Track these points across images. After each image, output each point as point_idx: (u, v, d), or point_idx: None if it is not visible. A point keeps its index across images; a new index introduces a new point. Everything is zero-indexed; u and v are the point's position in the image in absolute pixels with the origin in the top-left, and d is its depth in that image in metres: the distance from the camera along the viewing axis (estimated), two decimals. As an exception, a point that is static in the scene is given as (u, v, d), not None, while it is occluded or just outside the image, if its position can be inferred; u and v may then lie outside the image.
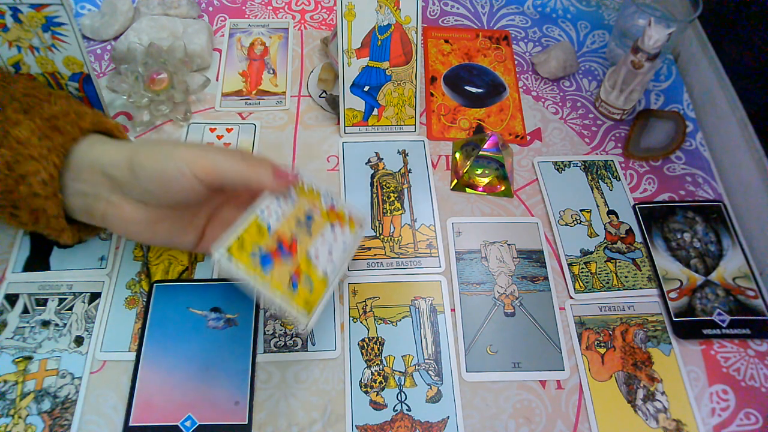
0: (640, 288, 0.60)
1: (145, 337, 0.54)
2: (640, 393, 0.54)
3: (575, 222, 0.64)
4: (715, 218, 0.65)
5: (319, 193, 0.52)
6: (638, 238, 0.64)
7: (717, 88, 0.74)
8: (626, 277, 0.61)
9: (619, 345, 0.56)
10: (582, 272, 0.61)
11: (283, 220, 0.48)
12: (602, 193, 0.67)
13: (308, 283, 0.47)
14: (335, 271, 0.50)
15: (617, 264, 0.61)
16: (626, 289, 0.60)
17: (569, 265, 0.61)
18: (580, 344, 0.56)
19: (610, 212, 0.65)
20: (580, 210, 0.65)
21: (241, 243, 0.44)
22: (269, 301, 0.44)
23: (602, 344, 0.56)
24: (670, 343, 0.57)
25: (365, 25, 0.65)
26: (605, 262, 0.62)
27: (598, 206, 0.66)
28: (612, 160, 0.70)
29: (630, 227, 0.64)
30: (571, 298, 0.59)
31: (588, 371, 0.55)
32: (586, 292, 0.59)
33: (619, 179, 0.68)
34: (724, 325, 0.57)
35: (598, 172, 0.69)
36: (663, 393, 0.54)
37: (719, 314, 0.58)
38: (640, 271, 0.61)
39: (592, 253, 0.62)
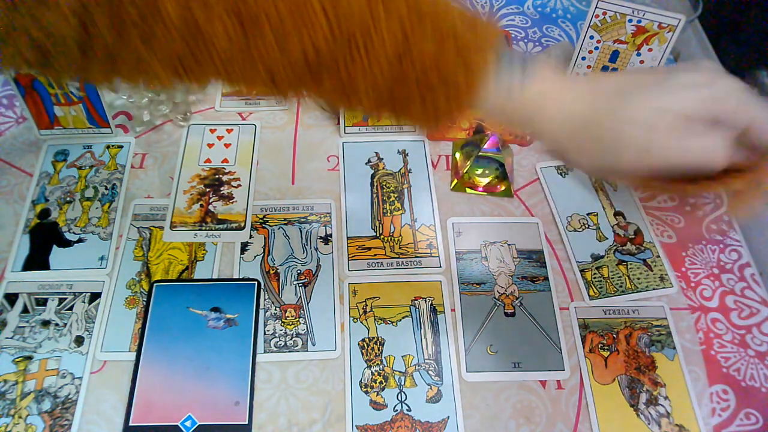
0: (654, 289, 0.60)
1: (145, 337, 0.54)
2: (643, 397, 0.54)
3: (583, 227, 0.64)
4: None
5: None
6: (647, 237, 0.63)
7: (717, 88, 0.74)
8: (638, 278, 0.60)
9: (622, 348, 0.56)
10: (595, 278, 0.60)
11: None
12: (607, 195, 0.67)
13: None
14: None
15: (629, 266, 0.61)
16: (639, 291, 0.59)
17: (581, 271, 0.61)
18: (583, 347, 0.56)
19: (617, 213, 0.65)
20: (587, 214, 0.65)
21: None
22: None
23: (606, 347, 0.56)
24: (674, 348, 0.57)
25: (365, 25, 0.65)
26: (617, 265, 0.61)
27: (604, 208, 0.65)
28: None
29: (638, 227, 0.64)
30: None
31: (591, 374, 0.55)
32: (601, 298, 0.59)
33: None
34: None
35: (601, 172, 0.68)
36: (666, 397, 0.54)
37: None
38: (652, 271, 0.61)
39: (602, 257, 0.62)
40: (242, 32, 0.33)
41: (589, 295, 0.59)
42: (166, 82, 0.36)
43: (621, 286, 0.60)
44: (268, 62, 0.35)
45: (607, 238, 0.63)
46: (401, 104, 0.38)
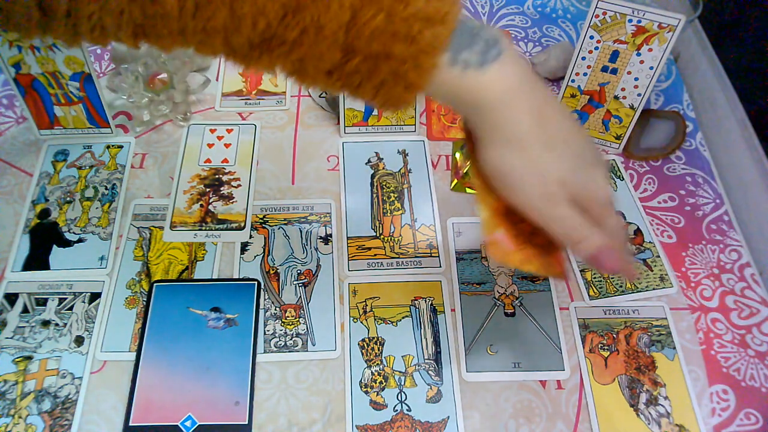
0: (654, 289, 0.60)
1: (145, 337, 0.54)
2: (643, 397, 0.54)
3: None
4: None
5: None
6: (647, 237, 0.63)
7: (717, 88, 0.74)
8: (638, 279, 0.60)
9: (622, 348, 0.56)
10: (595, 278, 0.60)
11: None
12: None
13: None
14: None
15: None
16: (639, 291, 0.60)
17: (581, 271, 0.61)
18: (583, 347, 0.56)
19: (617, 213, 0.65)
20: None
21: None
22: None
23: (606, 347, 0.56)
24: (674, 348, 0.57)
25: (365, 25, 0.65)
26: None
27: (603, 208, 0.65)
28: (614, 160, 0.70)
29: (638, 227, 0.64)
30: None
31: (591, 374, 0.55)
32: (601, 298, 0.59)
33: (623, 179, 0.68)
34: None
35: (599, 172, 0.68)
36: (666, 397, 0.54)
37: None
38: (652, 271, 0.61)
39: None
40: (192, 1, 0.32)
41: (589, 295, 0.59)
42: (131, 45, 0.35)
43: (621, 286, 0.60)
44: (222, 32, 0.34)
45: None
46: (351, 80, 0.37)
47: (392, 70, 0.35)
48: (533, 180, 0.38)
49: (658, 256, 0.62)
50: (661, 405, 0.53)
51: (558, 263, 0.44)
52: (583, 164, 0.39)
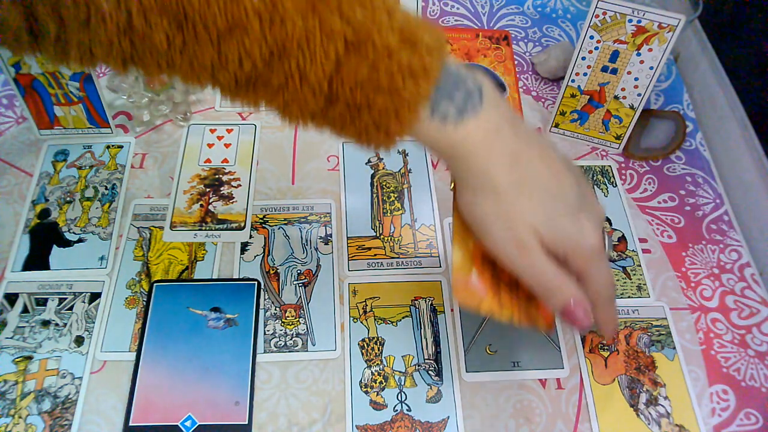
0: (629, 297, 0.59)
1: (145, 337, 0.54)
2: (643, 397, 0.54)
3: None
4: None
5: None
6: (631, 245, 0.63)
7: (717, 88, 0.74)
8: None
9: (622, 349, 0.56)
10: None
11: None
12: (597, 199, 0.66)
13: None
14: None
15: None
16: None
17: None
18: (583, 347, 0.56)
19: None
20: None
21: None
22: None
23: (606, 347, 0.56)
24: (674, 348, 0.57)
25: (365, 25, 0.65)
26: None
27: (591, 213, 0.65)
28: (610, 166, 0.69)
29: (623, 234, 0.64)
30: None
31: (591, 374, 0.55)
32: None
33: (616, 185, 0.68)
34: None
35: (594, 178, 0.68)
36: (666, 398, 0.54)
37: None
38: (630, 279, 0.61)
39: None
40: (180, 36, 0.32)
41: None
42: (119, 71, 0.35)
43: None
44: (209, 69, 0.34)
45: None
46: (335, 124, 0.37)
47: (374, 120, 0.36)
48: (504, 226, 0.38)
49: (639, 266, 0.62)
50: (661, 405, 0.53)
51: (543, 314, 0.43)
52: (566, 211, 0.38)
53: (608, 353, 0.56)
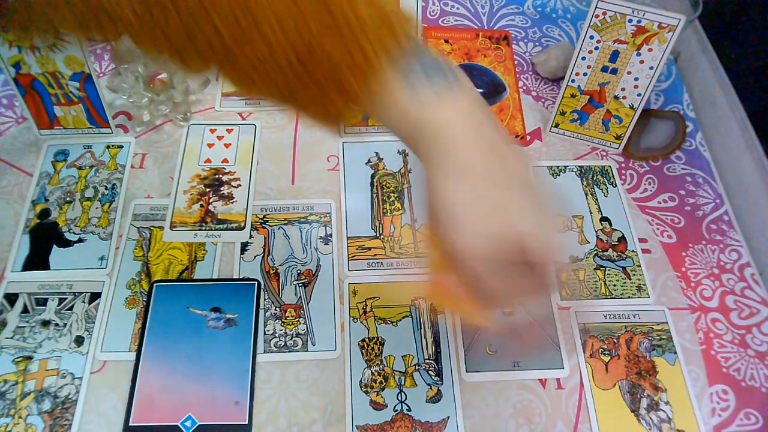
0: (629, 297, 0.60)
1: (145, 337, 0.54)
2: (644, 402, 0.54)
3: (566, 228, 0.64)
4: None
5: None
6: (630, 246, 0.63)
7: (717, 88, 0.74)
8: (614, 285, 0.60)
9: (623, 353, 0.56)
10: (570, 279, 0.60)
11: None
12: (596, 200, 0.66)
13: None
14: None
15: (606, 272, 0.61)
16: (613, 298, 0.59)
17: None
18: (584, 352, 0.56)
19: (603, 219, 0.65)
20: (572, 216, 0.65)
21: None
22: None
23: (606, 352, 0.56)
24: (675, 352, 0.57)
25: (365, 25, 0.65)
26: (594, 269, 0.61)
27: (591, 213, 0.65)
28: (609, 166, 0.69)
29: (623, 234, 0.64)
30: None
31: (591, 379, 0.55)
32: (573, 300, 0.59)
33: (615, 185, 0.68)
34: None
35: (594, 178, 0.68)
36: (667, 402, 0.54)
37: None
38: (630, 279, 0.61)
39: (581, 260, 0.62)
40: (147, 12, 0.32)
41: (561, 296, 0.59)
42: (83, 40, 0.35)
43: (595, 290, 0.60)
44: (175, 44, 0.33)
45: (588, 242, 0.63)
46: (298, 97, 0.35)
47: (324, 71, 0.34)
48: (478, 216, 0.34)
49: (639, 266, 0.62)
50: (662, 410, 0.53)
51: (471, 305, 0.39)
52: (544, 212, 0.35)
53: (609, 358, 0.56)
